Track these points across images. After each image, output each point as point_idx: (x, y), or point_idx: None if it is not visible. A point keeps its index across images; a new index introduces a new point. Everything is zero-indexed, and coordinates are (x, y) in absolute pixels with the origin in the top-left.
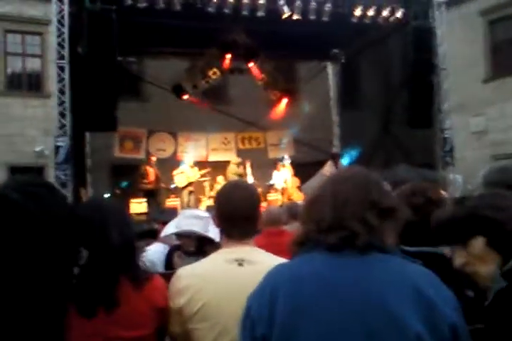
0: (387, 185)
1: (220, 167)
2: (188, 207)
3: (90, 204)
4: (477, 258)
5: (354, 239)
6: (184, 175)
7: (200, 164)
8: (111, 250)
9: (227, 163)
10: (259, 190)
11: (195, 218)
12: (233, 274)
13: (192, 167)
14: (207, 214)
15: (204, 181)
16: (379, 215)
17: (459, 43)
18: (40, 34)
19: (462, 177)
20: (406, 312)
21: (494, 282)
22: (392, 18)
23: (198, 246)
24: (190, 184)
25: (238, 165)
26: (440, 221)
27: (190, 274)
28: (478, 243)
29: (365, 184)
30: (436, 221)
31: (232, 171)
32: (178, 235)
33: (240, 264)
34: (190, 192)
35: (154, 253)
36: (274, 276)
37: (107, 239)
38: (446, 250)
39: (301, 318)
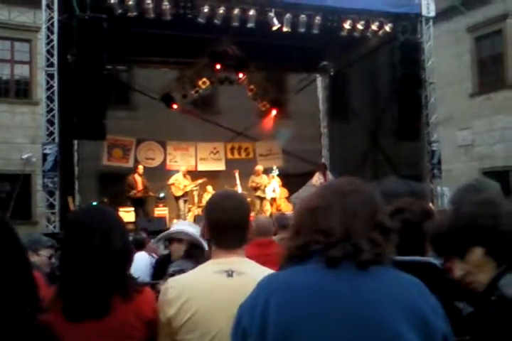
0: (383, 201)
1: (209, 177)
2: (184, 216)
3: (90, 210)
4: (475, 267)
5: (358, 255)
6: (177, 185)
7: (191, 174)
8: (112, 256)
9: (217, 172)
10: (249, 199)
11: (189, 225)
12: (222, 285)
13: (185, 176)
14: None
15: (193, 190)
16: (381, 234)
17: (446, 58)
18: (29, 41)
19: (449, 190)
20: (401, 325)
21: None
22: (380, 32)
23: (188, 252)
24: (185, 193)
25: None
26: (437, 231)
27: (179, 285)
28: (477, 253)
29: (371, 202)
30: (434, 231)
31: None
32: (170, 241)
33: (229, 275)
34: (185, 202)
35: (140, 262)
36: (266, 287)
37: (110, 245)
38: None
39: (294, 331)
